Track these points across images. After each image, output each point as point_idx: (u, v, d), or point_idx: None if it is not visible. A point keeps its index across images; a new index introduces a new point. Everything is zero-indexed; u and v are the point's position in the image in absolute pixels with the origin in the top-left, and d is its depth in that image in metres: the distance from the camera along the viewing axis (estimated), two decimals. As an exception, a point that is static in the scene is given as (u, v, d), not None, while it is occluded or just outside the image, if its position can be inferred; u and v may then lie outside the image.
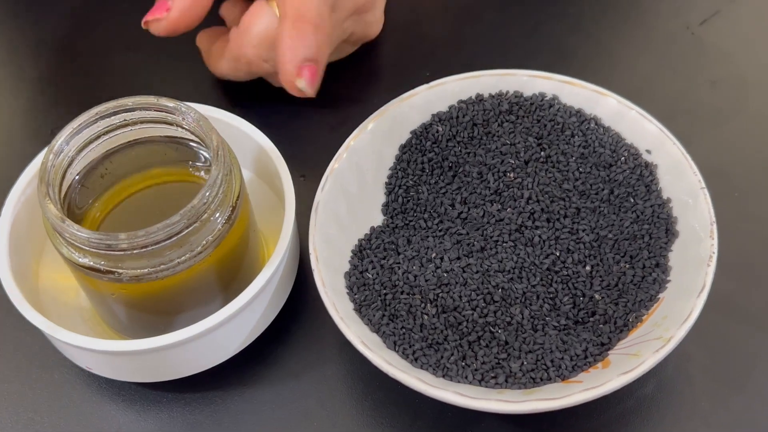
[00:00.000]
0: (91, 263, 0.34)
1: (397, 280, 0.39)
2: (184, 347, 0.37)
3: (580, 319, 0.38)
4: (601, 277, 0.39)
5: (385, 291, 0.39)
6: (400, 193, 0.43)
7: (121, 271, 0.34)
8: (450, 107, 0.44)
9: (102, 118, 0.36)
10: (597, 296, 0.39)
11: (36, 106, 0.51)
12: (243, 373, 0.40)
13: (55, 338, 0.36)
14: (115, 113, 0.36)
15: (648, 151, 0.42)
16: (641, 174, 0.41)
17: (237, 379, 0.40)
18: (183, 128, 0.37)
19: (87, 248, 0.33)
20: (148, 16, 0.40)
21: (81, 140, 0.36)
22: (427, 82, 0.44)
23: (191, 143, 0.38)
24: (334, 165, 0.41)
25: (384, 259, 0.40)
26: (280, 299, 0.40)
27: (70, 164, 0.36)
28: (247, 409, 0.39)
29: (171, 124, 0.37)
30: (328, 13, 0.41)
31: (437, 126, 0.44)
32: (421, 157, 0.43)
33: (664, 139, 0.41)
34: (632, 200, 0.41)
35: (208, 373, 0.39)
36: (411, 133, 0.44)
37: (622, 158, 0.42)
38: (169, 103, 0.36)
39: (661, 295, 0.38)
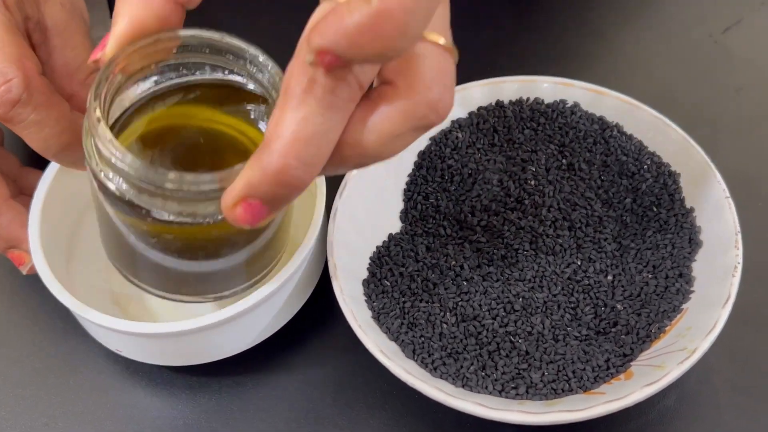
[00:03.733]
0: (125, 194, 0.31)
1: (416, 288, 0.39)
2: (210, 333, 0.37)
3: (602, 330, 0.38)
4: (623, 287, 0.39)
5: (403, 299, 0.38)
6: (418, 200, 0.42)
7: (152, 209, 0.31)
8: (470, 114, 0.44)
9: (159, 42, 0.32)
10: (619, 306, 0.38)
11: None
12: (255, 380, 0.40)
13: (86, 319, 0.36)
14: (171, 42, 0.32)
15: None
16: (665, 183, 0.41)
17: (252, 382, 0.40)
18: (254, 78, 0.33)
19: (127, 178, 0.30)
20: (92, 56, 0.37)
21: (133, 67, 0.32)
22: (447, 88, 0.44)
23: (251, 91, 0.34)
24: (352, 171, 0.41)
25: (403, 266, 0.40)
26: (306, 290, 0.40)
27: (117, 91, 0.33)
28: (263, 416, 0.39)
29: (238, 72, 0.33)
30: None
31: (457, 132, 0.43)
32: (441, 163, 0.43)
33: (688, 147, 0.41)
34: (655, 209, 0.40)
35: (233, 362, 0.39)
36: (430, 139, 0.44)
37: (645, 166, 0.41)
38: (235, 40, 0.32)
39: (684, 306, 0.38)
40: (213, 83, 0.34)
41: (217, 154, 0.33)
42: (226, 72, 0.34)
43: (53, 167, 0.40)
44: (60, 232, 0.41)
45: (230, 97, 0.35)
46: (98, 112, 0.30)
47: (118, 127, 0.34)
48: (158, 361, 0.39)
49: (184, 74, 0.34)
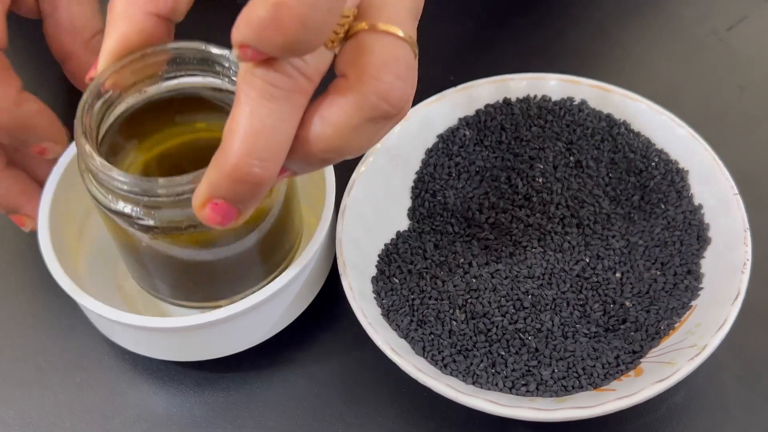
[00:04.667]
0: (125, 210, 0.33)
1: (425, 285, 0.39)
2: (219, 328, 0.37)
3: (611, 327, 0.38)
4: (631, 284, 0.39)
5: (412, 296, 0.38)
6: (426, 197, 0.42)
7: (154, 219, 0.32)
8: (477, 111, 0.44)
9: (146, 59, 0.34)
10: (628, 303, 0.38)
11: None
12: (263, 377, 0.40)
13: (95, 313, 0.37)
14: (159, 56, 0.34)
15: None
16: (672, 180, 0.41)
17: (259, 379, 0.40)
18: (230, 79, 0.34)
19: (122, 193, 0.32)
20: (87, 75, 0.35)
21: (124, 82, 0.34)
22: (452, 85, 0.44)
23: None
24: (360, 168, 0.41)
25: (411, 264, 0.40)
26: (314, 288, 0.40)
27: (110, 106, 0.34)
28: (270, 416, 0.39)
29: (218, 74, 0.34)
30: None
31: (464, 130, 0.43)
32: (448, 161, 0.43)
33: (695, 144, 0.41)
34: (663, 206, 0.41)
35: (241, 359, 0.39)
36: (438, 137, 0.43)
37: (653, 164, 0.41)
38: (218, 50, 0.34)
39: (693, 303, 0.38)
40: (201, 92, 0.35)
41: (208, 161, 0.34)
42: (215, 78, 0.35)
43: (65, 159, 0.40)
44: (69, 227, 0.41)
45: (217, 99, 0.36)
46: (84, 139, 0.32)
47: (109, 144, 0.35)
48: (166, 357, 0.39)
49: (174, 86, 0.35)
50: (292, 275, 0.37)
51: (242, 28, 0.26)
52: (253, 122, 0.27)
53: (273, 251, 0.38)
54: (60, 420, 0.39)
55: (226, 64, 0.34)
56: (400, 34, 0.28)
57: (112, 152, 0.35)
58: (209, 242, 0.35)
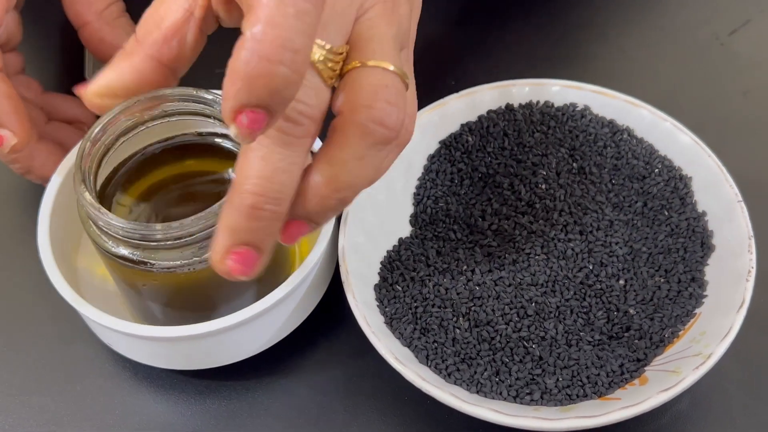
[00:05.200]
0: (125, 253, 0.34)
1: (428, 293, 0.39)
2: (220, 337, 0.37)
3: (615, 335, 0.38)
4: (635, 291, 0.39)
5: (415, 304, 0.38)
6: (428, 203, 0.42)
7: (153, 262, 0.34)
8: (480, 117, 0.44)
9: (139, 107, 0.35)
10: (632, 311, 0.38)
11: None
12: (264, 385, 0.40)
13: (96, 322, 0.37)
14: (152, 103, 0.35)
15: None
16: (676, 186, 0.41)
17: (261, 387, 0.40)
18: (220, 121, 0.36)
19: (121, 238, 0.33)
20: (75, 89, 0.37)
21: (118, 129, 0.36)
22: (454, 90, 0.44)
23: (227, 138, 0.38)
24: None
25: (414, 271, 0.39)
26: (314, 298, 0.40)
27: (106, 153, 0.36)
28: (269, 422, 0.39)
29: (209, 116, 0.36)
30: None
31: (467, 136, 0.43)
32: (451, 167, 0.43)
33: (698, 150, 0.41)
34: (666, 213, 0.40)
35: (243, 367, 0.39)
36: (440, 143, 0.43)
37: (656, 170, 0.41)
38: (208, 95, 0.36)
39: (697, 311, 0.38)
40: (196, 138, 0.38)
41: (206, 203, 0.35)
42: (206, 121, 0.37)
43: (65, 165, 0.40)
44: (69, 235, 0.41)
45: (212, 148, 0.38)
46: (89, 196, 0.34)
47: (111, 188, 0.37)
48: (167, 365, 0.39)
49: (167, 130, 0.38)
50: (294, 284, 0.36)
51: (229, 95, 0.26)
52: (267, 166, 0.29)
53: (270, 278, 0.38)
54: (60, 428, 0.39)
55: (217, 108, 0.36)
56: (390, 68, 0.30)
57: (110, 197, 0.37)
58: (205, 279, 0.36)
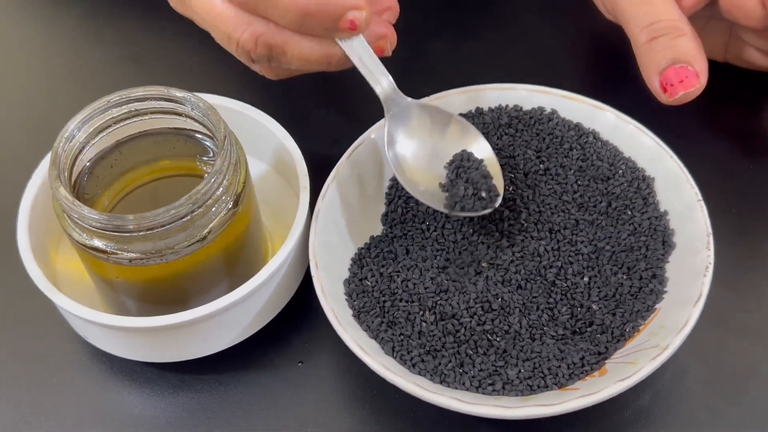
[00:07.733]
0: (98, 245, 0.35)
1: (396, 287, 0.40)
2: (193, 328, 0.38)
3: (578, 329, 0.39)
4: (598, 288, 0.40)
5: (383, 298, 0.39)
6: (399, 203, 0.43)
7: (126, 253, 0.35)
8: (450, 120, 0.45)
9: (113, 106, 0.37)
10: (595, 307, 0.39)
11: (57, 97, 0.53)
12: (237, 379, 0.41)
13: (69, 312, 0.38)
14: (125, 102, 0.37)
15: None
16: (638, 187, 0.42)
17: (233, 381, 0.41)
18: (192, 119, 0.38)
19: (95, 229, 0.35)
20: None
21: (92, 128, 0.37)
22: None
23: (199, 135, 0.39)
24: (335, 174, 0.42)
25: (383, 267, 0.40)
26: (287, 292, 0.41)
27: (80, 151, 0.37)
28: (242, 417, 0.40)
29: (180, 114, 0.38)
30: None
31: (437, 138, 0.44)
32: (422, 168, 0.44)
33: (661, 152, 0.42)
34: (630, 213, 0.41)
35: (215, 361, 0.40)
36: (412, 144, 0.44)
37: (620, 171, 0.42)
38: (179, 93, 0.37)
39: (657, 306, 0.39)
40: (164, 131, 0.39)
41: (173, 196, 0.36)
42: (179, 119, 0.38)
43: (37, 177, 0.41)
44: (48, 233, 0.42)
45: (181, 140, 0.39)
46: (63, 191, 0.35)
47: (82, 185, 0.38)
48: (141, 358, 0.40)
49: (140, 127, 0.39)
50: (266, 276, 0.37)
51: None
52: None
53: (242, 271, 0.39)
54: (35, 420, 0.40)
55: (189, 106, 0.37)
56: None
57: (85, 193, 0.38)
58: (176, 271, 0.37)
